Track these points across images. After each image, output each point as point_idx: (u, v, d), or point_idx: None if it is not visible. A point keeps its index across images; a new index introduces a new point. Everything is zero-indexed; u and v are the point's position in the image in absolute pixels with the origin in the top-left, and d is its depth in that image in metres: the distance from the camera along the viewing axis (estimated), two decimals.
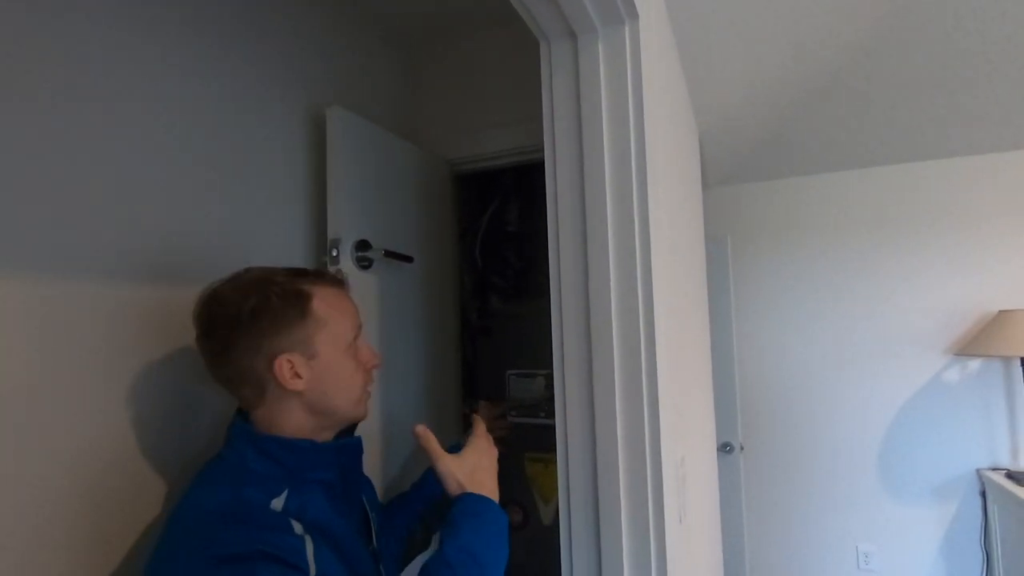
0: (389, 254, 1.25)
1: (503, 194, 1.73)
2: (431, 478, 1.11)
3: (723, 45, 1.56)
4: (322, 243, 1.22)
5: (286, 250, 1.18)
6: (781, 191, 2.81)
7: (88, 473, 0.80)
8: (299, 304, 0.76)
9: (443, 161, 1.60)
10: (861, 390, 2.64)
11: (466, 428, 1.66)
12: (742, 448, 2.68)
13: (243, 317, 0.73)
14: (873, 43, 1.85)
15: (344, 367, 0.80)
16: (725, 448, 2.63)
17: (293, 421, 0.77)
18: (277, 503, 0.70)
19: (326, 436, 0.82)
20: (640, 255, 0.78)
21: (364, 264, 1.22)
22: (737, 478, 2.63)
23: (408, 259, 1.31)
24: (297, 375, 0.75)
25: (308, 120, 1.25)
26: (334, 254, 1.16)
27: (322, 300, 0.78)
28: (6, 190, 0.73)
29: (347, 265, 1.18)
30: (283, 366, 0.74)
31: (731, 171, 2.78)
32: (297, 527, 0.68)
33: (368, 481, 0.98)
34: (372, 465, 1.23)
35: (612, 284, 0.79)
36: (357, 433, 0.88)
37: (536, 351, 1.39)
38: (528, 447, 1.60)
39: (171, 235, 0.95)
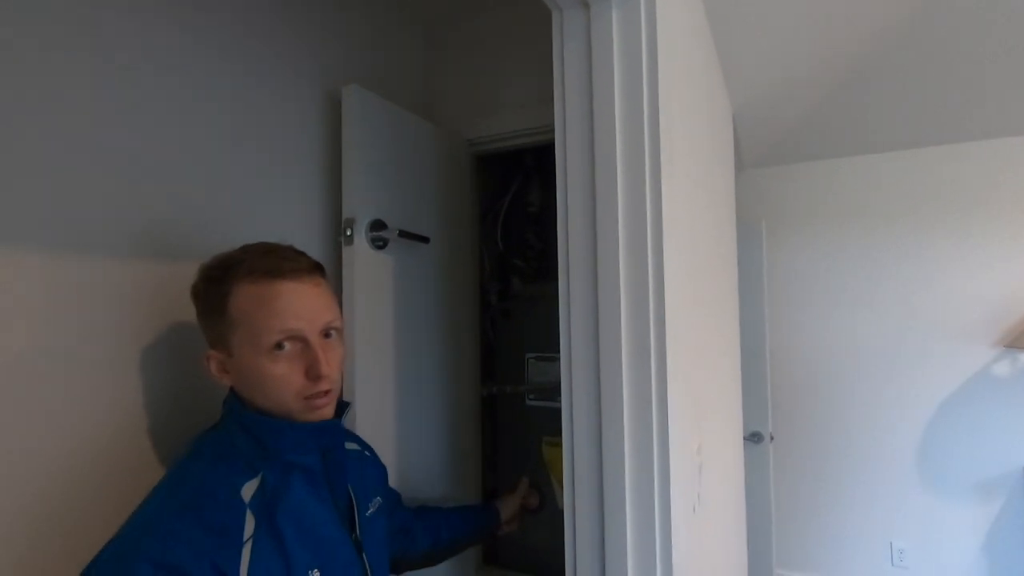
0: (404, 234, 1.24)
1: (525, 174, 1.69)
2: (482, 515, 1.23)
3: (758, 20, 1.48)
4: (338, 222, 1.22)
5: (301, 229, 1.19)
6: (820, 173, 2.69)
7: (95, 456, 0.81)
8: (218, 299, 0.73)
9: (462, 140, 1.58)
10: (901, 381, 2.53)
11: (483, 412, 1.66)
12: (772, 438, 2.60)
13: (192, 297, 0.77)
14: (919, 17, 1.72)
15: (262, 372, 0.72)
16: (754, 438, 2.56)
17: (255, 409, 0.75)
18: (249, 488, 0.69)
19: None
20: (651, 238, 0.75)
21: (379, 244, 1.21)
22: (766, 468, 2.56)
23: (424, 239, 1.30)
24: (224, 371, 0.75)
25: (325, 99, 1.25)
26: (348, 233, 1.15)
27: (245, 298, 0.72)
28: (19, 168, 0.74)
29: (361, 245, 1.17)
30: (210, 360, 0.75)
31: (767, 152, 2.67)
32: (248, 528, 0.67)
33: (371, 464, 0.96)
34: (385, 449, 1.23)
35: (621, 267, 0.76)
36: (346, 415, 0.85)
37: (555, 334, 1.37)
38: (545, 431, 1.58)
39: (183, 214, 0.95)
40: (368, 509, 0.86)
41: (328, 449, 0.79)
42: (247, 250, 0.76)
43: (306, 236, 1.20)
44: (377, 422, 1.21)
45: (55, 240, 0.78)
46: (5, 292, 0.73)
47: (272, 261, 0.74)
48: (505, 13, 1.56)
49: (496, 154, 1.66)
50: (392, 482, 1.25)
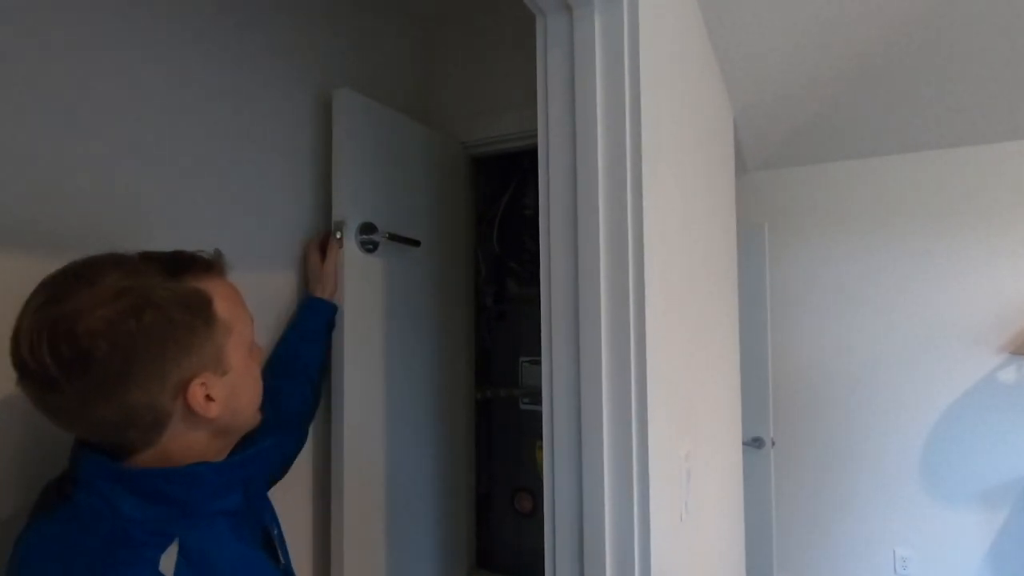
0: (394, 237, 1.24)
1: (521, 177, 1.69)
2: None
3: (758, 20, 1.47)
4: (328, 225, 1.22)
5: (290, 233, 1.18)
6: (824, 176, 2.66)
7: None
8: (202, 310, 0.60)
9: (458, 143, 1.58)
10: (905, 387, 2.50)
11: (477, 416, 1.66)
12: (774, 443, 2.58)
13: (137, 342, 0.54)
14: (929, 13, 1.70)
15: (252, 373, 0.67)
16: (755, 443, 2.54)
17: (194, 452, 0.61)
18: (168, 560, 0.54)
19: (223, 456, 0.67)
20: (632, 245, 0.74)
21: (369, 247, 1.21)
22: (767, 474, 2.54)
23: (415, 243, 1.30)
24: (210, 398, 0.60)
25: (318, 101, 1.25)
26: (338, 236, 1.15)
27: (222, 298, 0.63)
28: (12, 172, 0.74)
29: (351, 248, 1.17)
30: (197, 392, 0.59)
31: (770, 155, 2.65)
32: None
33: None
34: (375, 456, 1.23)
35: (602, 274, 0.75)
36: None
37: None
38: (539, 435, 1.58)
39: (169, 220, 0.95)
40: (277, 525, 0.77)
41: (251, 480, 0.68)
42: (144, 257, 0.61)
43: (293, 239, 1.19)
44: (367, 426, 1.21)
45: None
46: None
47: (202, 257, 0.65)
48: (502, 15, 1.56)
49: (493, 156, 1.66)
50: (383, 487, 1.25)
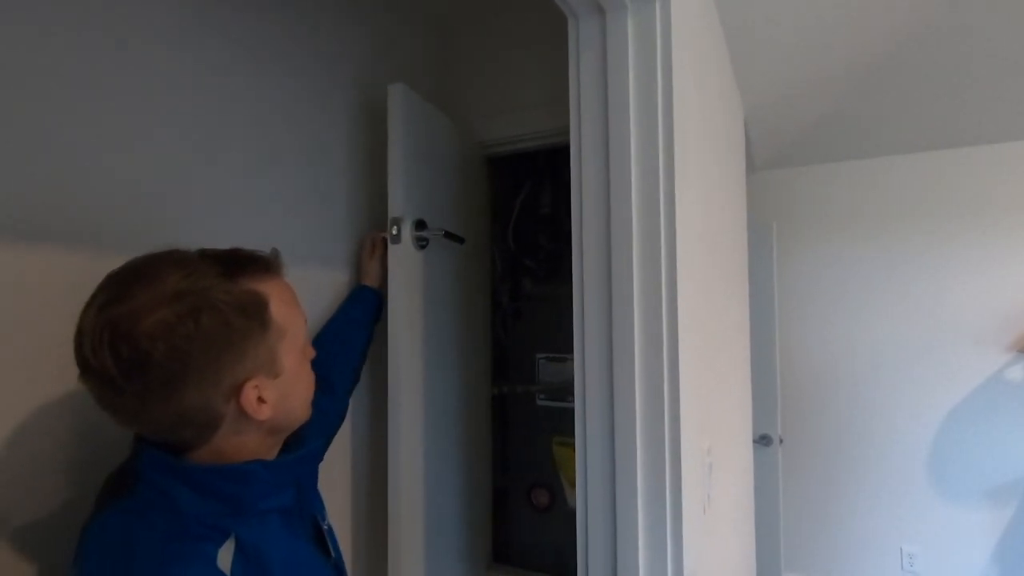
0: (448, 235, 1.25)
1: (536, 177, 1.71)
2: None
3: (771, 17, 1.48)
4: (369, 222, 1.24)
5: (335, 230, 1.20)
6: (834, 175, 2.68)
7: None
8: (259, 314, 0.59)
9: (475, 142, 1.59)
10: (912, 385, 2.52)
11: (493, 412, 1.68)
12: (781, 441, 2.60)
13: (194, 345, 0.54)
14: (937, 15, 1.71)
15: (304, 373, 0.67)
16: (764, 440, 2.56)
17: (246, 450, 0.62)
18: (224, 556, 0.56)
19: (275, 452, 0.68)
20: (665, 244, 0.76)
21: (422, 244, 1.22)
22: (775, 471, 2.55)
23: (461, 240, 1.31)
24: (262, 400, 0.60)
25: (356, 98, 1.27)
26: (395, 232, 1.16)
27: (278, 300, 0.62)
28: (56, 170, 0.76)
29: (407, 244, 1.18)
30: (250, 395, 0.59)
31: (779, 153, 2.66)
32: None
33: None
34: (416, 455, 1.23)
35: (635, 273, 0.77)
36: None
37: (566, 335, 1.39)
38: (556, 430, 1.60)
39: (221, 221, 0.96)
40: (326, 518, 0.78)
41: (302, 478, 0.71)
42: (203, 255, 0.61)
43: (341, 236, 1.22)
44: (412, 422, 1.22)
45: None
46: None
47: (260, 257, 0.64)
48: (519, 16, 1.57)
49: (508, 156, 1.67)
50: (422, 484, 1.25)
